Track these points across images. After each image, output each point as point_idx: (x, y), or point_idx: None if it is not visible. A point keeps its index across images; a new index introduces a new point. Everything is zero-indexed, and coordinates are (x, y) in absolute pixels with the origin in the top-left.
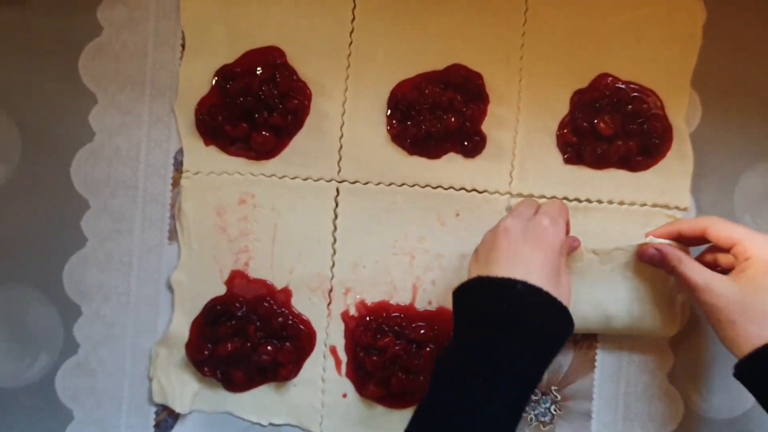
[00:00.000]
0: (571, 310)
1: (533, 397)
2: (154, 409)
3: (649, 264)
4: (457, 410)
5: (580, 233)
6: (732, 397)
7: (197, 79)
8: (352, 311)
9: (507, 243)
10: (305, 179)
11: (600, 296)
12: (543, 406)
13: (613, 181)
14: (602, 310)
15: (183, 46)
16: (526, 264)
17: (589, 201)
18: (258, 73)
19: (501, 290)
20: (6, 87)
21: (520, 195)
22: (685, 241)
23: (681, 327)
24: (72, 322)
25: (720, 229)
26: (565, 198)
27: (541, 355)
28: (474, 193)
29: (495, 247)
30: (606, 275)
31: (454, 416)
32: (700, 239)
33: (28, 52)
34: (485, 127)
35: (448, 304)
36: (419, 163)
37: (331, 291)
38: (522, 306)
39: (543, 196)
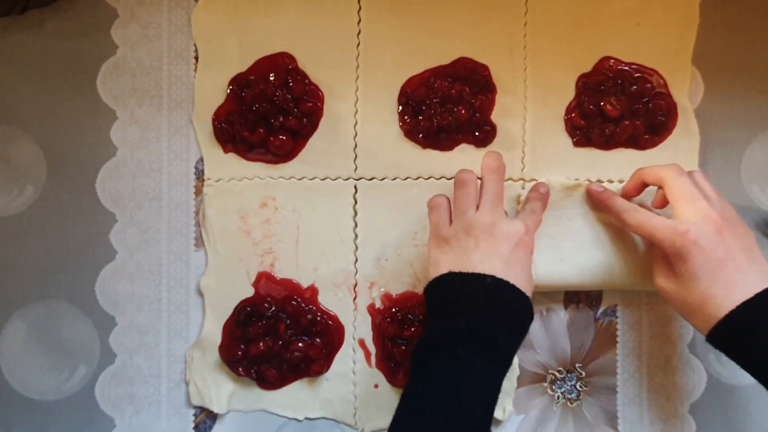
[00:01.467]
0: (582, 253)
1: (559, 375)
2: (192, 411)
3: (597, 204)
4: (437, 391)
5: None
6: None
7: (212, 90)
8: (378, 304)
9: (478, 239)
10: (323, 179)
11: (602, 236)
12: (569, 383)
13: (622, 161)
14: (604, 253)
15: (196, 58)
16: (497, 259)
17: (600, 181)
18: (271, 79)
19: (473, 283)
20: (28, 110)
21: (533, 180)
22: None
23: None
24: (107, 332)
25: (672, 183)
26: (577, 179)
27: (511, 337)
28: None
29: (475, 246)
30: (609, 216)
31: (434, 397)
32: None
33: (47, 74)
34: (495, 116)
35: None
36: (433, 156)
37: (356, 286)
38: (492, 295)
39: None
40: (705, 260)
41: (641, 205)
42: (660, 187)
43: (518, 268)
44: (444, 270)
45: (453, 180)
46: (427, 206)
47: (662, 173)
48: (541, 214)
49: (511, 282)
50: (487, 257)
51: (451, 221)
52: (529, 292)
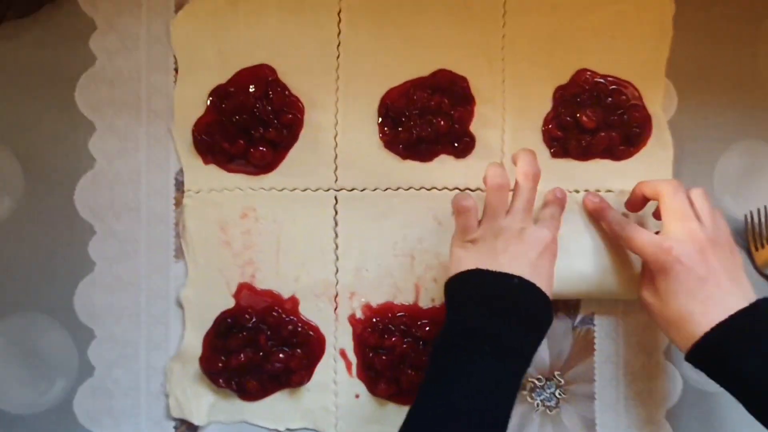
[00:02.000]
0: (559, 263)
1: (538, 383)
2: (172, 423)
3: (592, 213)
4: (455, 390)
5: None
6: None
7: (192, 101)
8: (359, 314)
9: (507, 242)
10: (304, 190)
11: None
12: (548, 391)
13: (599, 171)
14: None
15: (176, 69)
16: (525, 263)
17: (577, 191)
18: (251, 90)
19: (499, 282)
20: (5, 121)
21: (511, 191)
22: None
23: None
24: (86, 345)
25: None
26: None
27: (531, 340)
28: (467, 191)
29: (504, 249)
30: (585, 225)
31: (451, 395)
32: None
33: (25, 85)
34: (473, 127)
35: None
36: (413, 166)
37: (336, 296)
38: (517, 296)
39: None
40: (685, 278)
41: (640, 222)
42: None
43: (543, 274)
44: (470, 266)
45: (432, 191)
46: (452, 206)
47: (659, 188)
48: (560, 219)
49: (537, 285)
50: (515, 260)
51: (478, 224)
52: (551, 297)
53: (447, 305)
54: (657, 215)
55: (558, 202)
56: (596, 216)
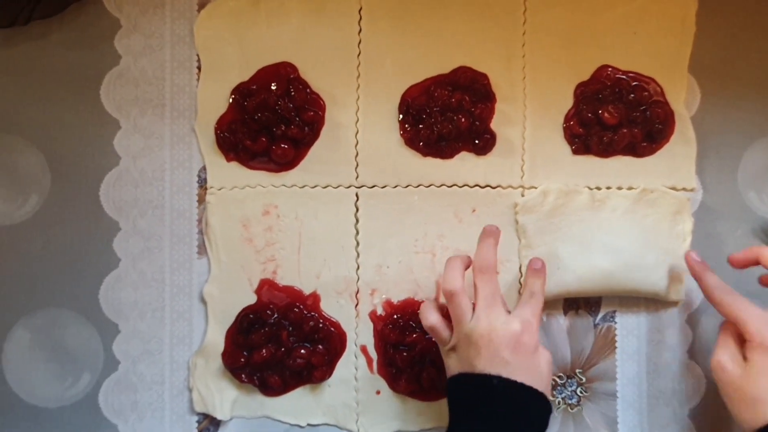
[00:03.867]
0: (580, 259)
1: (560, 381)
2: (195, 418)
3: (691, 269)
4: None
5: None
6: None
7: (215, 99)
8: (380, 311)
9: (487, 349)
10: (325, 187)
11: (601, 243)
12: (569, 389)
13: (620, 168)
14: (604, 260)
15: (199, 68)
16: (499, 363)
17: (599, 188)
18: (273, 88)
19: (480, 385)
20: (32, 120)
21: (532, 188)
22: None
23: (688, 299)
24: (111, 340)
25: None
26: (576, 186)
27: None
28: (488, 189)
29: (477, 353)
30: (608, 222)
31: None
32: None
33: (51, 84)
34: (494, 125)
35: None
36: (433, 163)
37: (357, 293)
38: (500, 397)
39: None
40: None
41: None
42: None
43: (523, 369)
44: (455, 372)
45: (453, 188)
46: (425, 328)
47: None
48: (541, 294)
49: (519, 381)
50: (489, 362)
51: (450, 332)
52: (542, 385)
53: (448, 405)
54: (764, 283)
55: (536, 274)
56: (694, 276)
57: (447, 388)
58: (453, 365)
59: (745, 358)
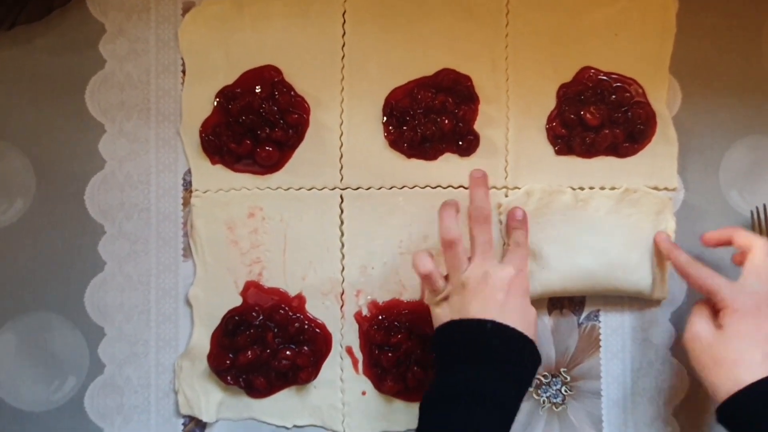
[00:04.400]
0: (563, 259)
1: (544, 380)
2: (181, 420)
3: (661, 248)
4: None
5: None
6: None
7: (199, 102)
8: (365, 312)
9: (475, 291)
10: (310, 189)
11: (584, 243)
12: (554, 387)
13: (603, 168)
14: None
15: (184, 72)
16: (499, 308)
17: (582, 188)
18: (257, 91)
19: (473, 330)
20: (17, 124)
21: (516, 188)
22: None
23: (671, 297)
24: (96, 343)
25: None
26: (559, 186)
27: (515, 384)
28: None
29: (472, 296)
30: (591, 222)
31: None
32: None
33: (36, 89)
34: (477, 126)
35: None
36: (418, 165)
37: (342, 294)
38: (493, 341)
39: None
40: (757, 325)
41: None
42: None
43: (516, 312)
44: (445, 320)
45: (437, 189)
46: (416, 273)
47: (754, 243)
48: (526, 243)
49: (512, 326)
50: (485, 306)
51: (445, 281)
52: (531, 335)
53: (434, 363)
54: (737, 261)
55: (520, 225)
56: (665, 254)
57: (433, 340)
58: (443, 315)
59: (719, 327)
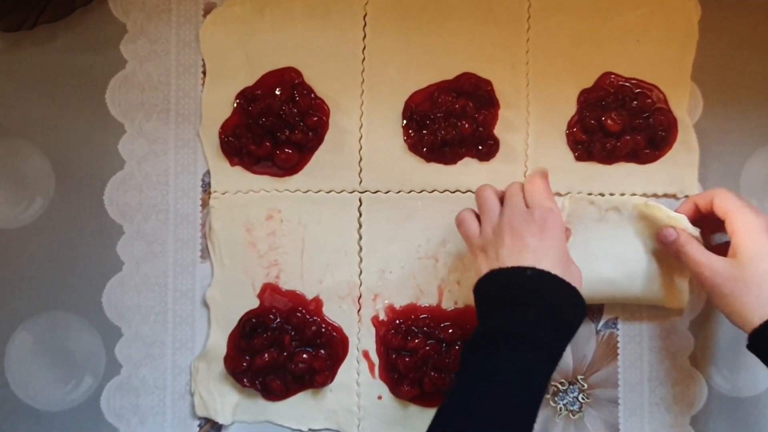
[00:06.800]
0: (583, 267)
1: (561, 387)
2: (197, 422)
3: (663, 244)
4: (481, 389)
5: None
6: (754, 375)
7: (219, 104)
8: (382, 316)
9: (511, 238)
10: (329, 192)
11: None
12: (571, 395)
13: (623, 175)
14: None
15: (204, 73)
16: (532, 253)
17: (602, 194)
18: (277, 93)
19: (513, 278)
20: (37, 123)
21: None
22: (701, 217)
23: (691, 306)
24: (113, 343)
25: (722, 199)
26: (579, 193)
27: (558, 331)
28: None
29: (502, 243)
30: (612, 231)
31: (478, 395)
32: (712, 213)
33: (57, 88)
34: (497, 131)
35: (474, 302)
36: (437, 169)
37: (360, 298)
38: (534, 287)
39: (558, 194)
40: None
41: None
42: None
43: (555, 260)
44: (485, 271)
45: (456, 193)
46: (455, 223)
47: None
48: (549, 189)
49: (553, 273)
50: (516, 253)
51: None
52: (575, 282)
53: (476, 310)
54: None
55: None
56: (673, 248)
57: (474, 291)
58: (483, 265)
59: (732, 255)
